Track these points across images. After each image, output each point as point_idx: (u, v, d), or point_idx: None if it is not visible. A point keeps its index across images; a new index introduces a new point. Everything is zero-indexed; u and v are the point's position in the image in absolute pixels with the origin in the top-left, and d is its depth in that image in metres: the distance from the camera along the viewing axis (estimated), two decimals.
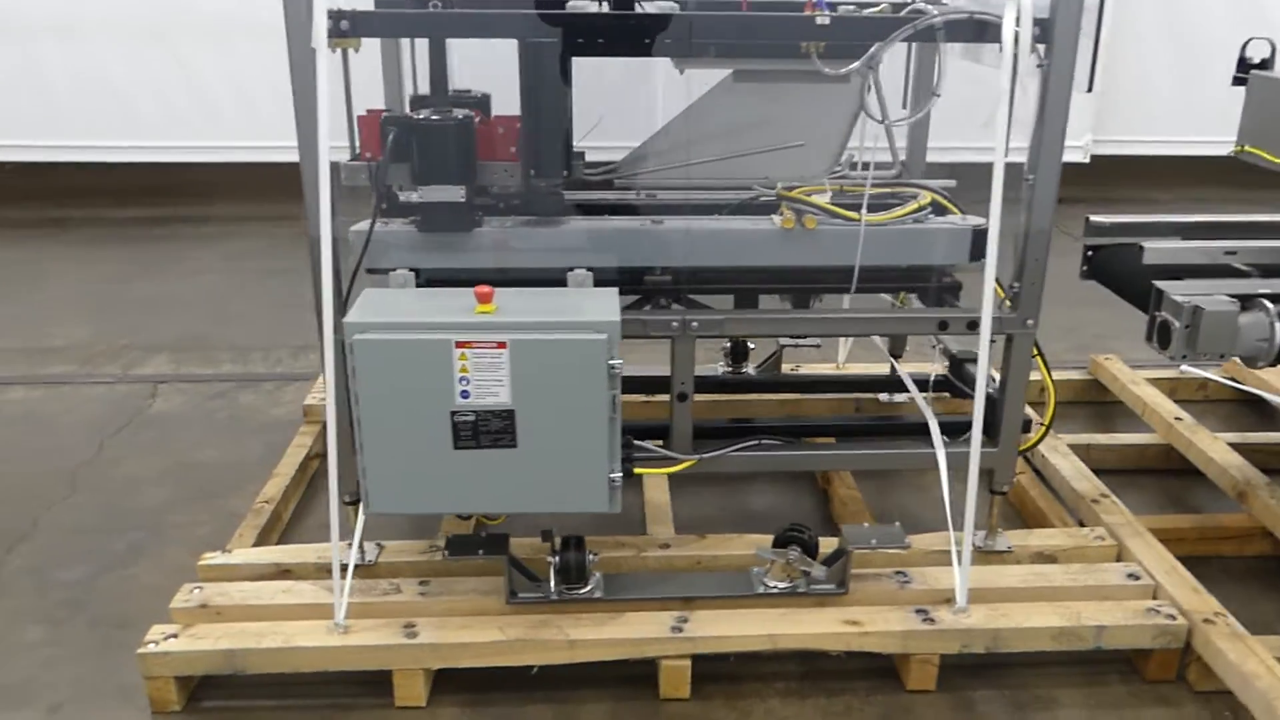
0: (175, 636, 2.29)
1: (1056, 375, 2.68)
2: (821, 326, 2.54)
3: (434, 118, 2.39)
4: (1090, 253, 2.87)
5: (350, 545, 2.44)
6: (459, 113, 2.44)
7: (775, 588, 2.41)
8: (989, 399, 2.56)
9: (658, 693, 2.34)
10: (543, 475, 2.19)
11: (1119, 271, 2.77)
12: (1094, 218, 2.86)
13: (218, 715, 2.31)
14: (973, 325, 2.44)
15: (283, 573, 2.57)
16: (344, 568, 2.33)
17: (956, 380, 2.88)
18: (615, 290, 2.28)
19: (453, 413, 2.14)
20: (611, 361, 2.12)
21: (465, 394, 2.12)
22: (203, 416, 3.77)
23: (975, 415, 2.33)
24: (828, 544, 2.47)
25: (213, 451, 3.51)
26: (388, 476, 2.19)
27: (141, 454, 3.48)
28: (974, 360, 2.86)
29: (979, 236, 2.54)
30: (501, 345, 2.09)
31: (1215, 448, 3.12)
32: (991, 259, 2.22)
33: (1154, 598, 2.45)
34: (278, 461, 3.28)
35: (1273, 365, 2.47)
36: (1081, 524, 2.82)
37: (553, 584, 2.36)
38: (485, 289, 2.14)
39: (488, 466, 2.18)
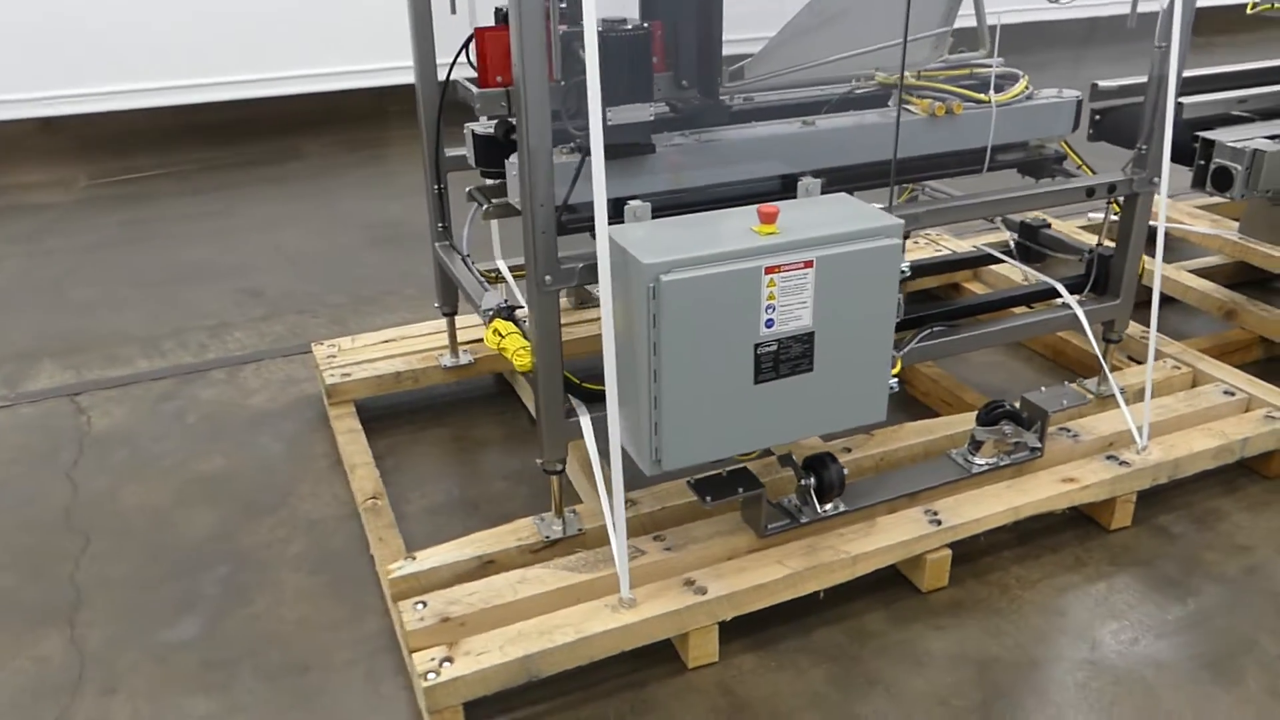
0: (450, 660, 1.97)
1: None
2: (992, 209, 2.59)
3: (614, 30, 2.13)
4: (1097, 116, 3.13)
5: (611, 508, 2.21)
6: (630, 23, 2.19)
7: (983, 465, 2.49)
8: (1102, 257, 2.77)
9: (916, 587, 2.36)
10: (831, 396, 2.10)
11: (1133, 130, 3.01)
12: (1101, 83, 3.11)
13: None
14: (1112, 189, 2.61)
15: (486, 564, 2.28)
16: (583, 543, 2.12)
17: (1035, 245, 3.05)
18: (852, 196, 2.19)
19: (756, 345, 1.98)
20: (903, 266, 2.05)
21: (770, 323, 1.97)
22: (168, 423, 3.16)
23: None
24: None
25: (219, 460, 2.97)
26: (684, 427, 1.99)
27: (132, 479, 2.87)
28: (1047, 226, 3.07)
29: (1079, 108, 2.72)
30: (808, 264, 1.95)
31: (1190, 279, 3.57)
32: (1168, 130, 2.38)
33: (1249, 409, 2.81)
34: (315, 456, 2.86)
35: None
36: (1134, 360, 3.14)
37: (817, 506, 2.29)
38: (770, 208, 1.97)
39: (782, 397, 2.05)
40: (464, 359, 3.15)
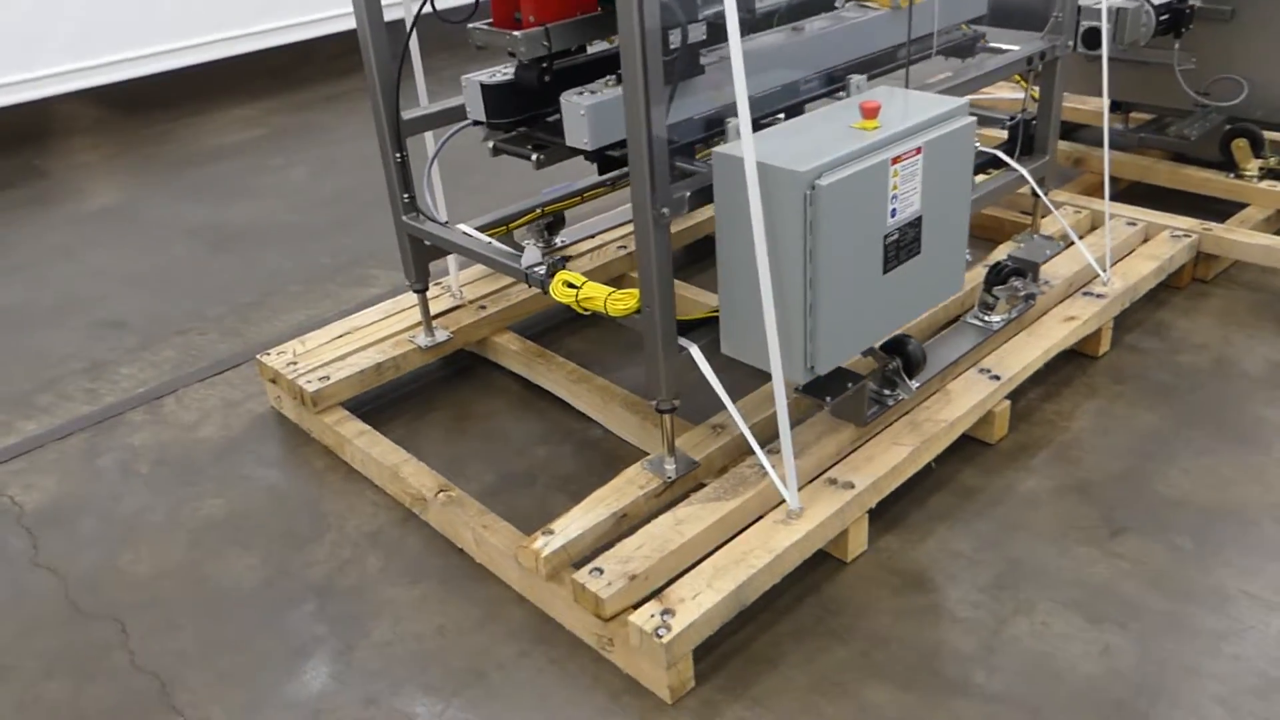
0: (670, 612, 1.92)
1: None
2: (964, 90, 2.77)
3: None
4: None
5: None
6: None
7: (999, 321, 2.72)
8: (1025, 123, 3.06)
9: (984, 441, 2.57)
10: (930, 275, 2.21)
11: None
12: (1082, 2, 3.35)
13: (726, 665, 2.02)
14: (1043, 56, 2.89)
15: (620, 519, 2.22)
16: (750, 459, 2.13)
17: None
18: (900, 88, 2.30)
19: (884, 236, 2.05)
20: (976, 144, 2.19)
21: (894, 212, 2.04)
22: (119, 478, 2.74)
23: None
24: None
25: (215, 501, 2.63)
26: (835, 328, 2.03)
27: (124, 547, 2.49)
28: None
29: None
30: (919, 151, 2.03)
31: None
32: None
33: (1148, 235, 3.25)
34: (320, 471, 2.63)
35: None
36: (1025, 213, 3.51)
37: (911, 384, 2.41)
38: (872, 103, 2.03)
39: (901, 283, 2.14)
40: (440, 336, 2.96)
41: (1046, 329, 2.73)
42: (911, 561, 2.24)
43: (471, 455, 2.72)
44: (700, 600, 1.94)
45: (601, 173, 2.29)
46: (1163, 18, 3.34)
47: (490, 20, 2.22)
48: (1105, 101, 2.84)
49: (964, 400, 2.46)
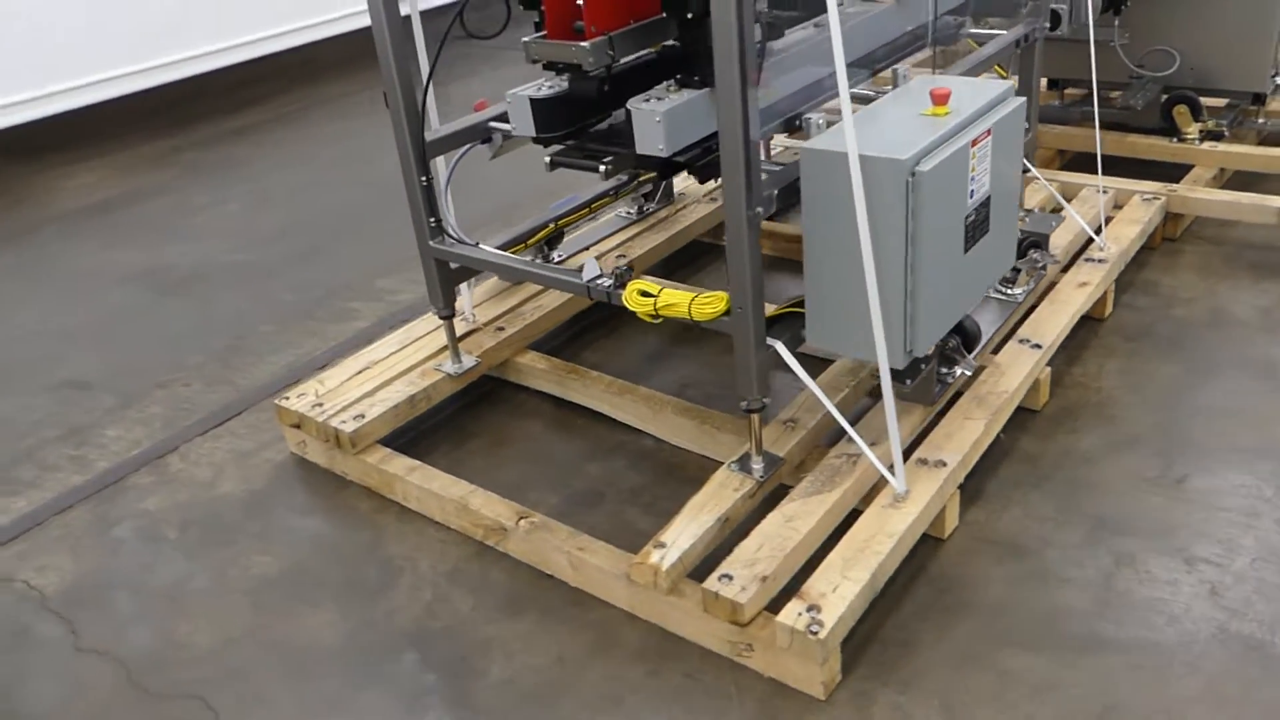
0: (816, 608, 1.91)
1: None
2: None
3: None
4: None
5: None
6: None
7: (1020, 293, 2.83)
8: None
9: (1028, 408, 2.66)
10: (993, 252, 2.28)
11: None
12: None
13: (865, 654, 2.03)
14: (1027, 38, 3.02)
15: (724, 523, 2.20)
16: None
17: None
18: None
19: (965, 216, 2.10)
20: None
21: (972, 193, 2.10)
22: (145, 547, 2.55)
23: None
24: None
25: (264, 559, 2.48)
26: (930, 310, 2.07)
27: (176, 619, 2.32)
28: None
29: None
30: (989, 133, 2.10)
31: None
32: None
33: (1119, 200, 3.44)
34: (369, 514, 2.52)
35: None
36: None
37: (970, 359, 2.47)
38: (943, 90, 2.08)
39: (975, 262, 2.20)
40: (468, 361, 2.87)
41: (1065, 296, 2.86)
42: (1002, 531, 2.30)
43: (526, 480, 2.65)
44: (842, 592, 1.95)
45: (661, 179, 2.27)
46: None
47: (544, 33, 2.17)
48: (1094, 78, 2.99)
49: (1016, 371, 2.55)
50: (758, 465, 2.31)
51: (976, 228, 2.15)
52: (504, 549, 2.40)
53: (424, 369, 2.87)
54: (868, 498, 2.24)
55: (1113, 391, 2.72)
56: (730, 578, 2.01)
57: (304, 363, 3.31)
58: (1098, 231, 3.10)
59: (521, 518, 2.36)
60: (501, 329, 3.01)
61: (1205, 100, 3.74)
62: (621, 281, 2.29)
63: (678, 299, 2.19)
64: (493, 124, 2.71)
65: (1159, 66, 3.76)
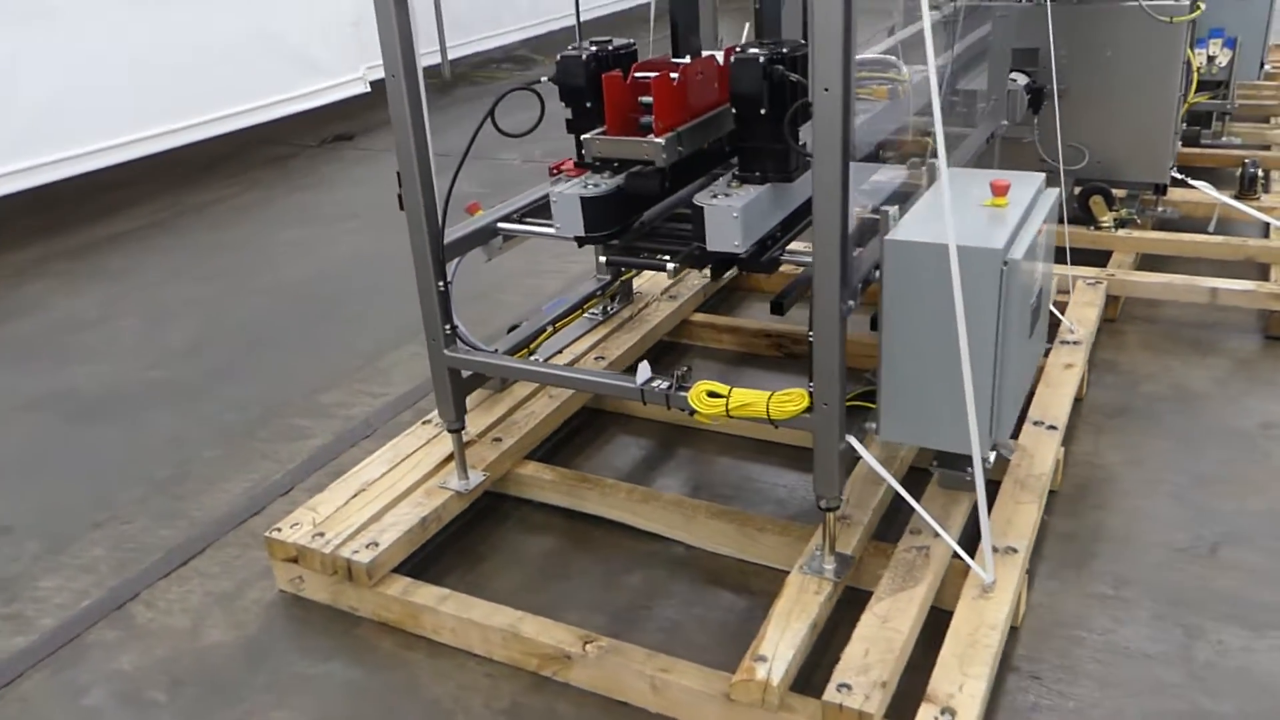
0: (949, 711, 1.84)
1: None
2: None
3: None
4: None
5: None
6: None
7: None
8: None
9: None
10: (1039, 340, 2.35)
11: None
12: None
13: None
14: (993, 135, 3.18)
15: (814, 629, 2.11)
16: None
17: None
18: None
19: (1031, 303, 2.14)
20: None
21: (1036, 280, 2.15)
22: (135, 713, 2.20)
23: None
24: None
25: (282, 714, 2.18)
26: (1010, 397, 2.09)
27: None
28: None
29: None
30: (1045, 223, 2.16)
31: None
32: None
33: (1062, 286, 3.64)
34: (394, 653, 2.31)
35: None
36: None
37: (1010, 442, 2.50)
38: (1002, 182, 2.13)
39: (1032, 347, 2.24)
40: (475, 477, 2.68)
41: (1057, 378, 2.96)
42: (1070, 613, 2.31)
43: (559, 601, 2.47)
44: (970, 691, 1.89)
45: (715, 275, 2.22)
46: (1028, 97, 3.80)
47: (603, 130, 2.11)
48: (1062, 167, 3.17)
49: (1043, 453, 2.60)
50: (830, 565, 2.24)
51: (1035, 313, 2.21)
52: (565, 679, 2.21)
53: (428, 488, 2.66)
54: (943, 590, 2.21)
55: (1116, 467, 2.82)
56: (849, 687, 1.91)
57: (264, 489, 3.02)
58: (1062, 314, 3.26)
59: (587, 642, 2.18)
60: (499, 439, 2.84)
61: (1117, 191, 4.05)
62: (682, 385, 2.21)
63: (753, 398, 2.13)
64: (502, 225, 2.60)
65: (1071, 161, 4.05)
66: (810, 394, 2.07)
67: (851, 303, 1.98)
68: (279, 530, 2.52)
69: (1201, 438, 2.92)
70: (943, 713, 1.84)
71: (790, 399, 2.09)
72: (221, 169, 6.52)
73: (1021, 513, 2.37)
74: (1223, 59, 4.66)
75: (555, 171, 2.84)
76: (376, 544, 2.44)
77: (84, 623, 2.50)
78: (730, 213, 2.04)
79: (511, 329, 3.07)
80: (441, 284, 2.43)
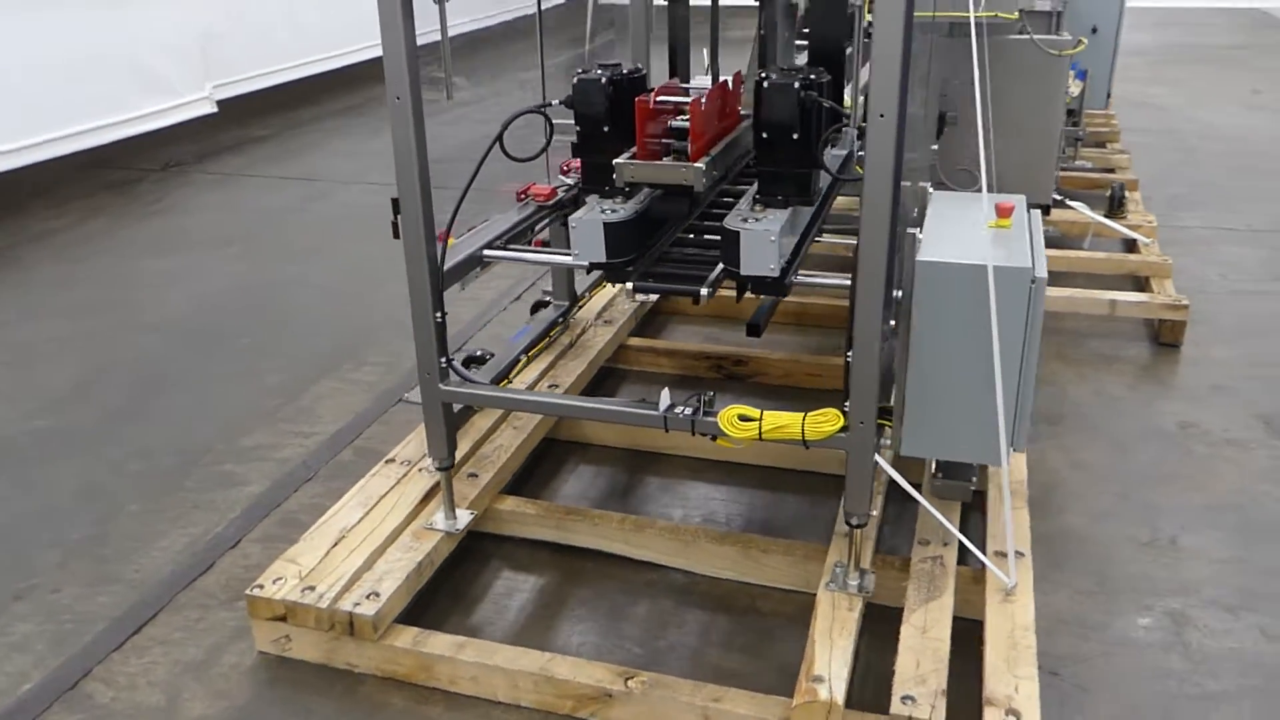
0: (1014, 714, 1.90)
1: None
2: None
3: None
4: None
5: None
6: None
7: None
8: None
9: None
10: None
11: None
12: None
13: None
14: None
15: (857, 655, 2.13)
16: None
17: None
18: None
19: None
20: None
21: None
22: None
23: None
24: None
25: None
26: (1028, 409, 2.18)
27: None
28: None
29: None
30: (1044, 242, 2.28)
31: None
32: None
33: None
34: (430, 702, 2.19)
35: None
36: None
37: None
38: (1007, 204, 2.24)
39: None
40: (464, 516, 2.56)
41: None
42: (1064, 609, 2.43)
43: (569, 640, 2.39)
44: (1027, 692, 1.96)
45: (740, 296, 2.22)
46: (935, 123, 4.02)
47: (632, 154, 2.07)
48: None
49: (1016, 461, 2.74)
50: (854, 580, 2.27)
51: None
52: (601, 718, 2.13)
53: (414, 530, 2.52)
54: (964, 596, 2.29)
55: (1063, 471, 3.00)
56: (913, 699, 1.94)
57: (207, 543, 2.77)
58: None
59: (628, 678, 2.12)
60: (475, 475, 2.73)
61: None
62: (709, 410, 2.19)
63: (786, 420, 2.13)
64: (488, 253, 2.50)
65: (964, 184, 4.30)
66: (844, 414, 2.10)
67: (893, 323, 2.03)
68: (260, 587, 2.32)
69: (1131, 440, 3.15)
70: (1008, 714, 1.90)
71: (825, 419, 2.12)
72: (56, 195, 5.97)
73: (1016, 518, 2.49)
74: (1075, 89, 5.08)
75: (522, 196, 2.79)
76: (377, 594, 2.28)
77: (33, 709, 2.22)
78: (768, 237, 2.04)
79: (470, 361, 2.97)
80: (439, 315, 2.31)
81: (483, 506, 2.69)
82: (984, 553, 2.29)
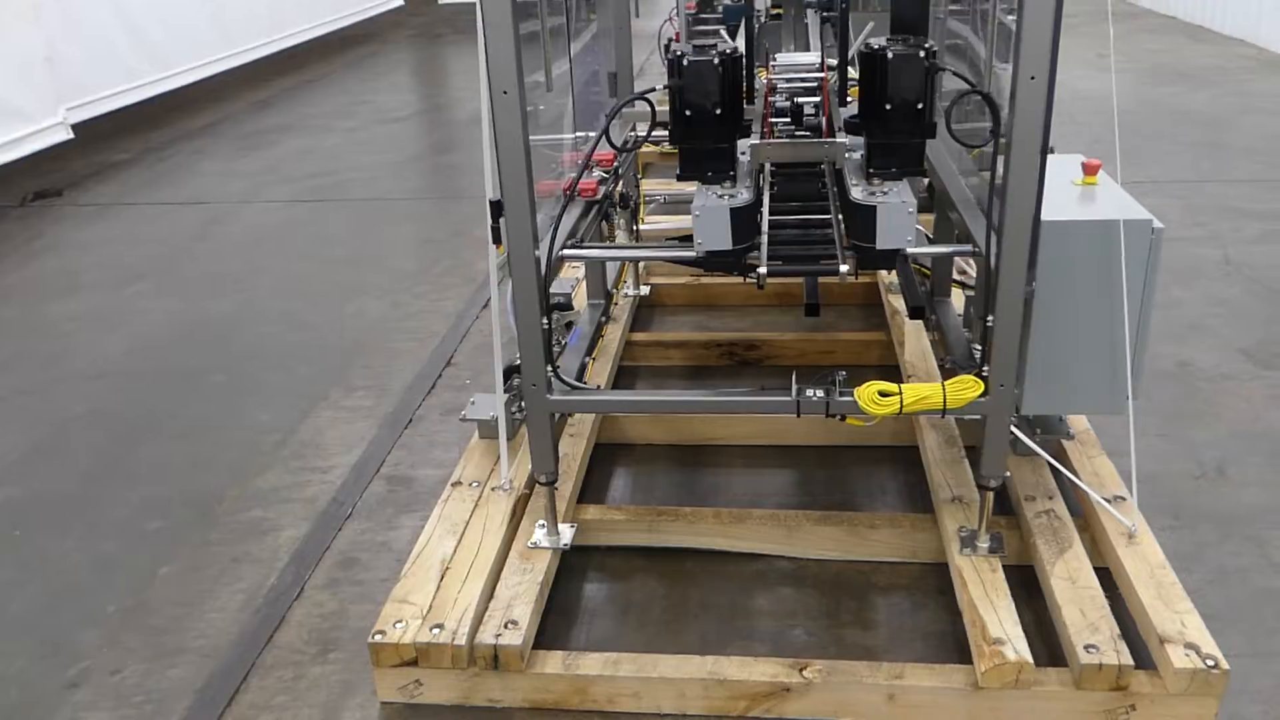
0: (1192, 646, 1.97)
1: None
2: None
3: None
4: None
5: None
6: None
7: None
8: None
9: None
10: None
11: None
12: None
13: None
14: None
15: None
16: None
17: None
18: None
19: None
20: None
21: None
22: None
23: None
24: None
25: None
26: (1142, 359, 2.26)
27: None
28: None
29: None
30: None
31: None
32: None
33: None
34: None
35: None
36: None
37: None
38: (1094, 163, 2.31)
39: None
40: (567, 532, 2.45)
41: None
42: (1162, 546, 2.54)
43: (700, 642, 2.31)
44: (1190, 624, 2.04)
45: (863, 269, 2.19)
46: None
47: (762, 135, 2.02)
48: None
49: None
50: (984, 543, 2.30)
51: None
52: (779, 714, 2.08)
53: (519, 551, 2.39)
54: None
55: (1097, 420, 3.14)
56: (1095, 647, 1.99)
57: (268, 597, 2.54)
58: None
59: (802, 669, 2.08)
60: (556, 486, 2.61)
61: None
62: (845, 390, 2.17)
63: (927, 391, 2.14)
64: (568, 252, 2.39)
65: None
66: (984, 379, 2.13)
67: (1033, 285, 2.06)
68: (383, 634, 2.14)
69: (1143, 386, 3.32)
70: (1187, 648, 1.98)
71: (966, 386, 2.13)
72: None
73: (1102, 465, 2.59)
74: None
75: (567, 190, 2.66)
76: (514, 622, 2.15)
77: None
78: (905, 209, 2.04)
79: (511, 372, 2.83)
80: (546, 321, 2.19)
81: (569, 518, 2.58)
82: (1135, 498, 2.35)
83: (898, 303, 3.47)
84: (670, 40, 3.30)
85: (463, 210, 5.45)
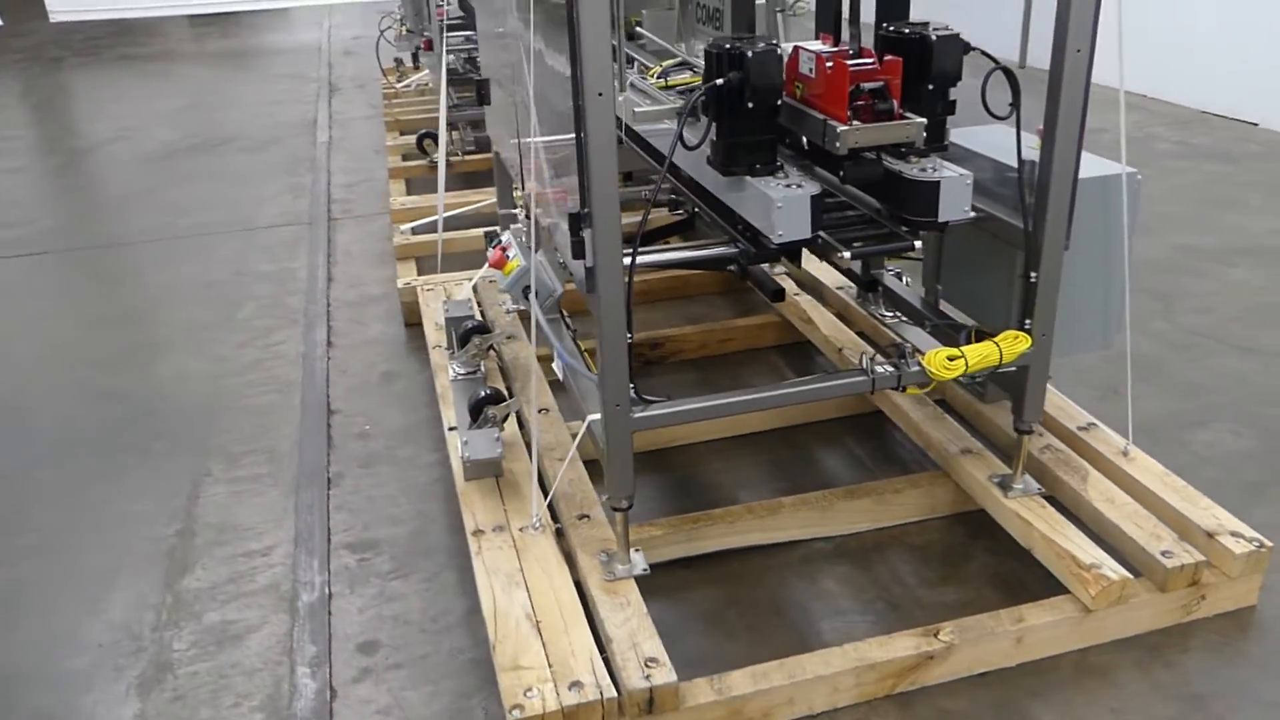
0: (1237, 535, 2.26)
1: None
2: None
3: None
4: None
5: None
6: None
7: None
8: None
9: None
10: None
11: None
12: None
13: None
14: None
15: None
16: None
17: None
18: None
19: None
20: None
21: None
22: None
23: None
24: None
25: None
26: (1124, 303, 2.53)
27: None
28: None
29: None
30: None
31: None
32: None
33: None
34: None
35: None
36: None
37: None
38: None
39: None
40: (638, 560, 2.29)
41: None
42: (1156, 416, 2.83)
43: (799, 637, 2.29)
44: (1223, 515, 2.34)
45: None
46: None
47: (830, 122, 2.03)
48: None
49: None
50: (1020, 485, 2.47)
51: None
52: (923, 682, 2.12)
53: (599, 585, 2.22)
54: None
55: None
56: (1170, 553, 2.23)
57: (307, 708, 2.15)
58: None
59: (935, 634, 2.13)
60: (586, 516, 2.45)
61: None
62: (914, 359, 2.24)
63: (987, 350, 2.26)
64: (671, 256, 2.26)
65: None
66: (1029, 332, 2.29)
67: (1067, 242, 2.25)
68: (521, 708, 1.90)
69: None
70: (1233, 535, 2.27)
71: (1017, 339, 2.28)
72: None
73: (1060, 400, 2.86)
74: None
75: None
76: (655, 659, 2.01)
77: None
78: (964, 181, 2.13)
79: (481, 406, 2.62)
80: (629, 336, 2.05)
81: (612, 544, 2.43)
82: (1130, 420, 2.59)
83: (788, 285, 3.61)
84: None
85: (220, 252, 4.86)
